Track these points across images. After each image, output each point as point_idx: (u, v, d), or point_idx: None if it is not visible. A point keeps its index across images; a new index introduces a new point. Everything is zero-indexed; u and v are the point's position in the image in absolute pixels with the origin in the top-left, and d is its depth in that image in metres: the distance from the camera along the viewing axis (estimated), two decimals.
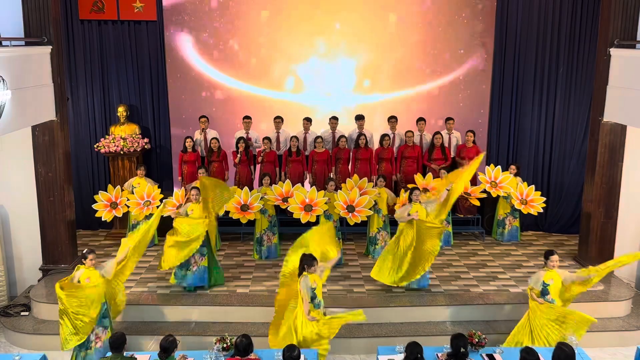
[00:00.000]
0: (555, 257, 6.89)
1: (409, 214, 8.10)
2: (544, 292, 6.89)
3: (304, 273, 6.67)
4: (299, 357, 5.54)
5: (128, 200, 9.67)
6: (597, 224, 9.14)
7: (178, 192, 9.55)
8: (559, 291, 6.90)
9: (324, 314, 6.82)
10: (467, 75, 10.97)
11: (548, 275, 6.89)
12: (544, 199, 10.04)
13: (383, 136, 10.32)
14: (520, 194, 9.97)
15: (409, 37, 10.91)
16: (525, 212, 9.96)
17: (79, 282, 6.87)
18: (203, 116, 10.59)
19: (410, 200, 8.32)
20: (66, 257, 9.10)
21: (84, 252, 7.01)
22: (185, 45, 10.85)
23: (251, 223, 9.64)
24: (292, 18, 10.82)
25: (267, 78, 11.04)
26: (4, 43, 7.87)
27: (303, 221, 9.06)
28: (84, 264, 6.96)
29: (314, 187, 9.42)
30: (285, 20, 10.84)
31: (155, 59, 10.86)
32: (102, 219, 9.67)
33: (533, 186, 10.07)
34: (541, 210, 9.99)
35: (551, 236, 10.88)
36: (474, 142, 10.36)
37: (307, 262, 6.70)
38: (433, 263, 8.35)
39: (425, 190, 9.56)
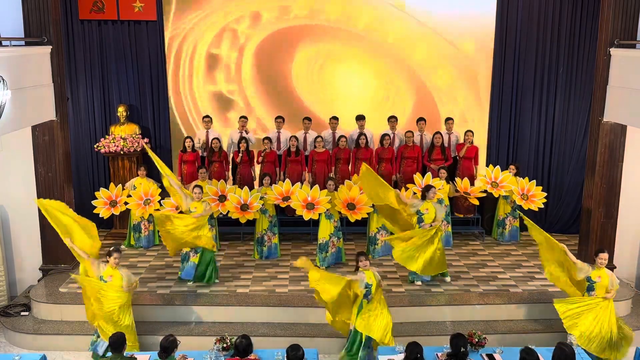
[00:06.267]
0: (604, 255, 7.05)
1: (419, 212, 8.29)
2: (589, 289, 7.07)
3: (360, 269, 6.92)
4: (303, 356, 5.53)
5: (129, 198, 9.67)
6: (597, 224, 9.13)
7: None
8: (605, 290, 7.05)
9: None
10: (467, 76, 10.97)
11: (595, 274, 7.05)
12: (545, 194, 10.02)
13: (383, 136, 10.31)
14: (522, 189, 9.95)
15: (410, 40, 10.91)
16: (526, 208, 9.86)
17: (101, 277, 7.08)
18: (207, 116, 10.58)
19: (424, 197, 8.40)
20: (66, 257, 9.06)
21: (110, 249, 7.22)
22: (185, 44, 10.87)
23: (251, 223, 9.64)
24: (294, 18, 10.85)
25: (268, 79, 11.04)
26: (4, 43, 7.88)
27: (306, 218, 9.06)
28: (107, 261, 7.17)
29: (315, 186, 9.41)
30: (285, 22, 10.85)
31: (155, 59, 10.85)
32: (100, 216, 9.66)
33: (534, 181, 10.06)
34: (542, 206, 9.95)
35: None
36: (471, 142, 10.37)
37: (359, 259, 6.96)
38: None
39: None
